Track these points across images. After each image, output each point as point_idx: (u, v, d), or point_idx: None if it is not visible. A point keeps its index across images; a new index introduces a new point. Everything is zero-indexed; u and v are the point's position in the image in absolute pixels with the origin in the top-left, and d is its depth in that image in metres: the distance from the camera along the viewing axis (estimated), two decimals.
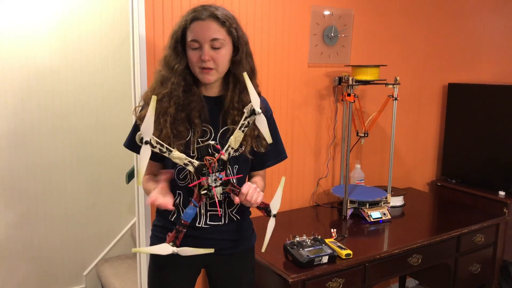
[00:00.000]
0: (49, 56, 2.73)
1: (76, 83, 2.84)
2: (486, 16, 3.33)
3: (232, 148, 1.34)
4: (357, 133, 2.56)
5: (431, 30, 3.02)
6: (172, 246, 1.33)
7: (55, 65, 2.76)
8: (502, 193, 2.86)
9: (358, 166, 2.69)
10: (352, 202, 2.39)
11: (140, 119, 1.40)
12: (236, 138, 1.33)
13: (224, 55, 1.40)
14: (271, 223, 1.41)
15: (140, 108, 1.49)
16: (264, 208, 1.40)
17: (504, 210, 2.77)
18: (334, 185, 2.71)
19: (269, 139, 1.35)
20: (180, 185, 1.47)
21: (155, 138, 1.27)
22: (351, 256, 1.88)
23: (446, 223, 2.38)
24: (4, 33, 2.59)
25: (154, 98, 1.22)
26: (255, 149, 1.47)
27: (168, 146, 1.29)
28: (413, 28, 2.92)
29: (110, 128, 2.95)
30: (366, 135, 2.53)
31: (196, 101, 1.44)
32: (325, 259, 1.81)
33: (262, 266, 1.87)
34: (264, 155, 1.53)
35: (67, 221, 2.92)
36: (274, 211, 1.40)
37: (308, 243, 1.88)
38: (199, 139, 1.43)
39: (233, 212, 1.54)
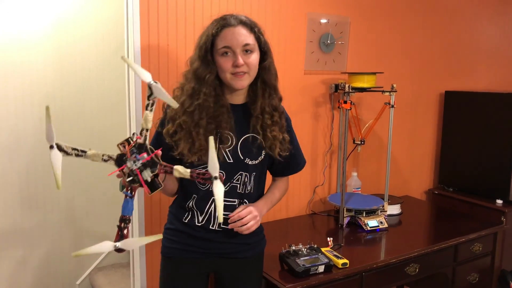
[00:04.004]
0: (43, 62, 2.70)
1: (71, 90, 2.82)
2: (482, 24, 3.34)
3: (146, 130, 1.23)
4: (354, 141, 2.54)
5: (428, 38, 3.02)
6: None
7: (49, 71, 2.73)
8: (499, 201, 2.84)
9: (355, 174, 2.66)
10: (348, 210, 2.36)
11: (168, 135, 1.46)
12: (146, 118, 1.23)
13: (255, 59, 1.46)
14: (217, 187, 1.18)
15: (160, 121, 1.52)
16: (204, 177, 1.18)
17: (502, 218, 2.75)
18: (331, 193, 2.68)
19: (173, 104, 1.21)
20: (201, 188, 1.52)
21: (65, 143, 1.21)
22: (347, 266, 1.85)
23: (443, 232, 2.36)
24: None
25: (47, 108, 1.14)
26: (280, 153, 1.53)
27: (82, 148, 1.24)
28: (409, 36, 2.91)
29: (104, 134, 2.92)
30: (362, 142, 2.52)
31: (225, 112, 1.48)
32: (321, 269, 1.79)
33: None
34: (288, 163, 1.62)
35: (61, 229, 2.88)
36: (215, 173, 1.17)
37: (304, 252, 1.85)
38: (220, 146, 1.47)
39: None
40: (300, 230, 2.37)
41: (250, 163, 1.52)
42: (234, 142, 1.50)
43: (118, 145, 1.24)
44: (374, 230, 2.30)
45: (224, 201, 1.50)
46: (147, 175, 1.24)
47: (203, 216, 1.54)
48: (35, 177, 2.74)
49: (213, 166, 1.18)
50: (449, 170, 3.17)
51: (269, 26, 2.32)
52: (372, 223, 2.31)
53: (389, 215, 2.52)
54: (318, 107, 2.56)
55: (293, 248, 1.88)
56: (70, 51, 2.78)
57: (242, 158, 1.51)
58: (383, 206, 2.42)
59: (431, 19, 3.01)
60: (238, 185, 1.54)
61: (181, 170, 1.21)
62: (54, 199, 2.82)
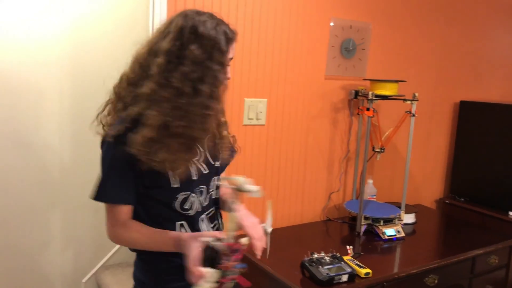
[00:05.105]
0: (58, 60, 2.65)
1: (85, 88, 2.77)
2: (498, 34, 3.33)
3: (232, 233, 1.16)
4: (373, 148, 2.52)
5: (445, 47, 3.01)
6: None
7: (66, 69, 2.69)
8: (511, 213, 2.84)
9: (371, 181, 2.64)
10: (366, 218, 2.34)
11: (140, 144, 1.21)
12: (232, 220, 1.16)
13: None
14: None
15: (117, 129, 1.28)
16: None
17: None
18: (345, 200, 2.66)
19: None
20: (186, 214, 1.30)
21: None
22: (370, 275, 1.83)
23: (459, 243, 2.34)
24: (10, 36, 2.51)
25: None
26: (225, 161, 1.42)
27: None
28: (427, 44, 2.90)
29: None
30: (382, 150, 2.50)
31: None
32: (344, 278, 1.77)
33: (277, 282, 1.81)
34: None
35: (68, 226, 2.83)
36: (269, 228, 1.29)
37: (327, 260, 1.83)
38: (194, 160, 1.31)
39: None
40: (315, 237, 2.35)
41: (217, 165, 1.38)
42: (203, 155, 1.33)
43: (220, 266, 1.10)
44: (391, 239, 2.29)
45: (206, 212, 1.36)
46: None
47: None
48: (41, 173, 2.70)
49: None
50: (461, 180, 3.16)
51: (293, 30, 2.29)
52: (389, 232, 2.30)
53: (404, 224, 2.50)
54: (337, 113, 2.54)
55: (316, 256, 1.85)
56: (86, 49, 2.73)
57: (213, 162, 1.36)
58: (399, 215, 2.40)
59: (450, 29, 3.00)
60: (214, 192, 1.39)
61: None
62: (62, 196, 2.77)
